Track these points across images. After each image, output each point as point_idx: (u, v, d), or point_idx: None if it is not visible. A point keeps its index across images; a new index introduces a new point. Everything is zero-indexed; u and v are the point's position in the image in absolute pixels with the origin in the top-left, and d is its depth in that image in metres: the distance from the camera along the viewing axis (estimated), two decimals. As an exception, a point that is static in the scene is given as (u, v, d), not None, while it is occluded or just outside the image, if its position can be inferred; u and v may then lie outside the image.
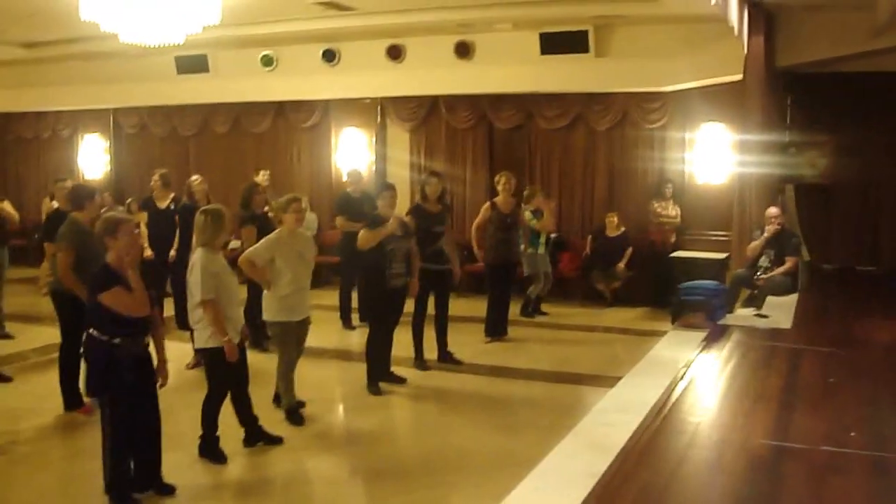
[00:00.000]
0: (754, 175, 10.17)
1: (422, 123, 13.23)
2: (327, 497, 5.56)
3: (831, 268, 11.62)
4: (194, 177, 9.19)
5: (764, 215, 9.69)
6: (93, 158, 15.71)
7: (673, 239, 11.79)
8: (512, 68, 12.04)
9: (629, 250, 11.64)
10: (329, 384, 8.08)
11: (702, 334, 7.68)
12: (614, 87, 11.82)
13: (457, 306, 9.80)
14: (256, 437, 6.20)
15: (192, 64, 13.89)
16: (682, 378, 6.16)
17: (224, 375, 5.92)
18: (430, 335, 8.62)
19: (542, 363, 8.75)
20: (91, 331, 4.92)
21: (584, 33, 11.46)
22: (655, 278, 11.40)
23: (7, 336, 9.32)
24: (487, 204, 9.69)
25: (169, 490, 5.27)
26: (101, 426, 5.10)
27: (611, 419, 5.24)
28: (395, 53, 12.67)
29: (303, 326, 6.92)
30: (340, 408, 7.46)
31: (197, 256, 5.82)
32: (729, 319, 8.36)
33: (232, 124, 14.42)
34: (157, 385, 5.26)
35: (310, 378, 7.70)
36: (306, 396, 7.11)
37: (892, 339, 7.68)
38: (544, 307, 11.29)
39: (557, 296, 11.84)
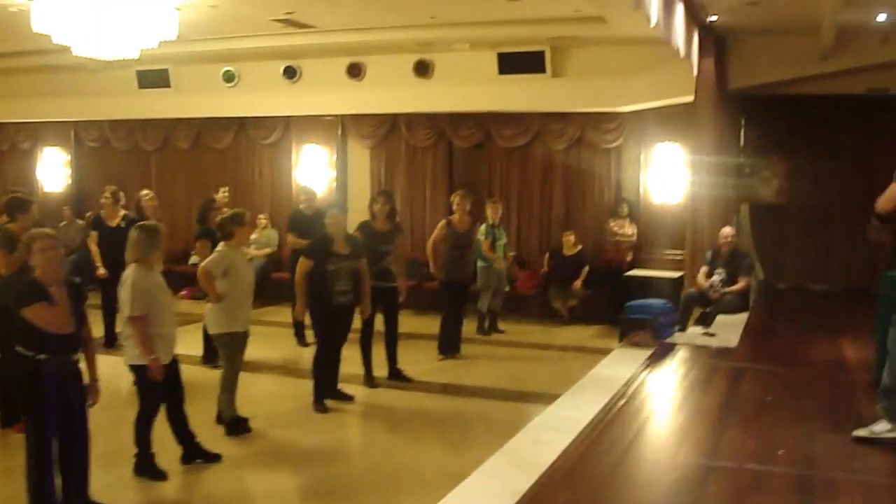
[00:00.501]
0: (706, 195, 10.30)
1: (382, 141, 13.29)
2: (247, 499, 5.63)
3: (785, 286, 11.79)
4: (144, 191, 9.17)
5: (717, 235, 9.82)
6: (53, 172, 15.60)
7: (629, 258, 11.90)
8: (470, 88, 12.14)
9: (585, 269, 11.71)
10: (277, 400, 8.06)
11: (647, 352, 7.78)
12: (571, 108, 11.94)
13: (412, 324, 9.90)
14: (194, 454, 6.17)
15: (154, 79, 13.88)
16: (620, 396, 6.24)
17: (155, 392, 5.89)
18: (382, 352, 8.64)
19: (492, 381, 8.75)
20: (17, 347, 4.89)
21: (541, 54, 11.59)
22: (611, 297, 11.47)
23: None
24: (443, 221, 9.75)
25: None
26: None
27: (542, 437, 5.30)
28: (355, 71, 12.73)
29: (246, 338, 7.01)
30: (285, 424, 7.39)
31: (129, 272, 5.83)
32: (676, 338, 8.48)
33: (194, 140, 14.41)
34: (88, 403, 5.23)
35: (259, 394, 7.72)
36: (254, 412, 7.11)
37: (834, 357, 7.80)
38: (501, 325, 11.32)
39: (515, 313, 11.92)
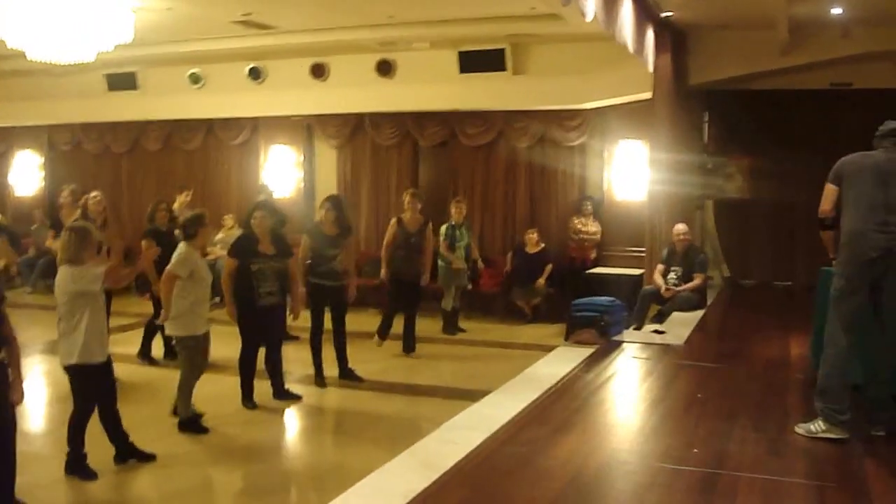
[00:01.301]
0: (666, 192, 10.26)
1: (348, 141, 13.30)
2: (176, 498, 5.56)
3: (749, 283, 11.74)
4: (93, 193, 9.13)
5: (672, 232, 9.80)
6: (26, 175, 15.61)
7: (593, 255, 11.87)
8: (433, 86, 12.12)
9: (549, 267, 11.67)
10: (222, 400, 7.99)
11: (590, 350, 7.74)
12: (532, 105, 11.92)
13: (373, 323, 9.85)
14: (127, 453, 6.12)
15: (122, 81, 13.90)
16: (546, 395, 6.20)
17: (88, 392, 5.88)
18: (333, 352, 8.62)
19: (443, 380, 8.72)
20: None
21: (501, 52, 11.57)
22: (574, 295, 11.42)
23: None
24: (394, 220, 9.71)
25: None
26: None
27: (454, 436, 5.26)
28: (318, 72, 12.73)
29: (207, 339, 7.05)
30: (231, 423, 7.25)
31: (60, 274, 5.82)
32: (625, 336, 8.42)
33: (164, 142, 14.44)
34: (13, 401, 5.22)
35: (212, 393, 7.70)
36: (206, 411, 7.10)
37: (779, 354, 7.77)
38: (464, 324, 11.29)
39: (478, 312, 11.91)
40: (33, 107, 14.69)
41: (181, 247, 7.01)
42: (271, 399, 7.75)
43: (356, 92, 12.59)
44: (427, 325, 11.11)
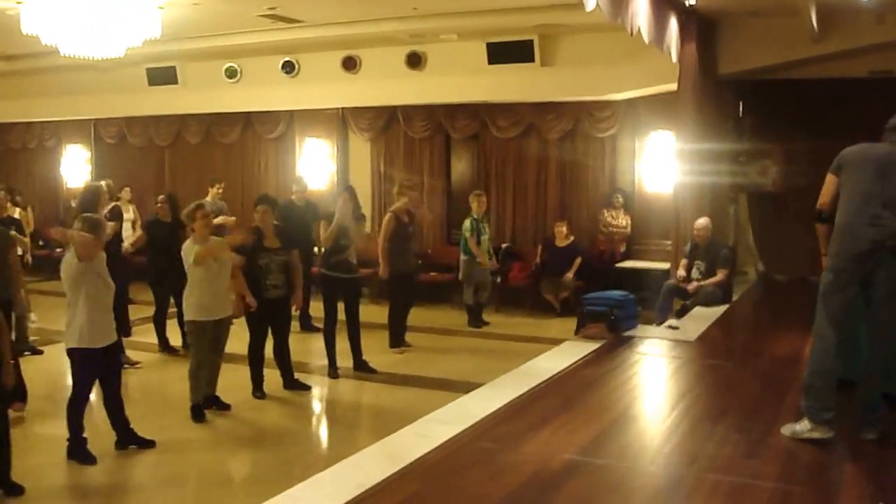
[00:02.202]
0: (691, 184, 10.04)
1: (381, 133, 13.33)
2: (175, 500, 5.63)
3: (784, 278, 11.44)
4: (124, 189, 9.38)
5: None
6: (75, 168, 15.98)
7: (623, 248, 11.70)
8: (462, 78, 12.05)
9: (578, 260, 11.52)
10: (234, 389, 7.97)
11: (597, 345, 7.62)
12: (561, 97, 11.78)
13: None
14: (128, 440, 6.27)
15: (162, 76, 14.14)
16: (535, 390, 6.12)
17: (85, 376, 6.02)
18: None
19: (455, 373, 8.60)
20: None
21: (530, 42, 11.43)
22: (602, 288, 11.26)
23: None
24: (390, 215, 9.60)
25: (18, 490, 5.34)
26: None
27: (430, 429, 5.21)
28: (350, 65, 12.76)
29: (220, 327, 7.19)
30: (233, 412, 7.35)
31: (64, 260, 6.03)
32: (638, 331, 8.26)
33: (204, 135, 14.67)
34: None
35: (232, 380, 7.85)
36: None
37: (791, 352, 7.53)
38: (491, 317, 11.23)
39: (509, 305, 11.83)
40: (80, 101, 15.03)
41: (185, 245, 7.15)
42: (282, 389, 7.86)
43: (387, 84, 12.60)
44: (452, 318, 11.11)
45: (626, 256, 11.63)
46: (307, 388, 7.99)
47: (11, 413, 5.94)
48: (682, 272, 9.61)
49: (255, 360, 7.74)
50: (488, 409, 5.63)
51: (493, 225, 12.66)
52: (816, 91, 10.87)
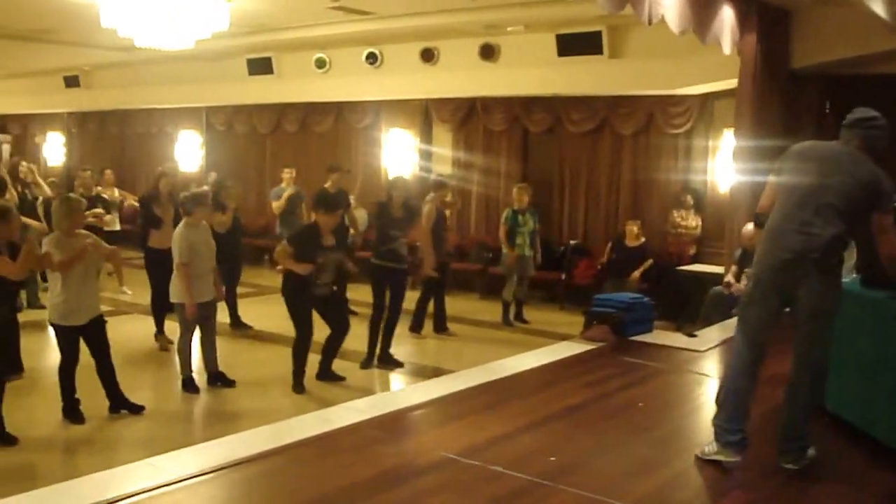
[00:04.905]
0: (751, 185, 9.44)
1: (462, 124, 13.32)
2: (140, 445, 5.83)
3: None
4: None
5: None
6: (189, 153, 16.80)
7: (692, 251, 11.17)
8: (534, 70, 11.82)
9: (648, 262, 11.08)
10: (245, 366, 8.17)
11: (589, 347, 7.34)
12: (629, 90, 11.37)
13: (471, 308, 10.22)
14: (119, 405, 6.63)
15: (260, 66, 14.61)
16: (473, 387, 5.98)
17: (66, 348, 6.41)
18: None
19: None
20: None
21: (598, 34, 11.06)
22: (669, 291, 10.83)
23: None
24: (431, 206, 9.49)
25: (12, 441, 5.83)
26: None
27: (336, 414, 5.26)
28: (428, 56, 12.75)
29: (206, 308, 7.49)
30: (248, 390, 7.48)
31: (48, 238, 6.46)
32: (648, 336, 7.87)
33: (300, 124, 15.10)
34: None
35: (255, 359, 8.32)
36: (240, 375, 7.63)
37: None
38: (547, 315, 11.01)
39: (572, 303, 11.53)
40: (193, 90, 15.77)
41: (179, 227, 7.41)
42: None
43: (464, 76, 12.52)
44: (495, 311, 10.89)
45: (696, 259, 11.09)
46: (341, 378, 7.78)
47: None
48: (730, 278, 9.07)
49: (299, 356, 7.50)
50: (410, 402, 5.56)
51: (566, 221, 12.44)
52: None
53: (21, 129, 20.67)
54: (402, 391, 5.98)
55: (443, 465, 4.44)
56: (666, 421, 5.61)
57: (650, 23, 7.52)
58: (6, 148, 21.29)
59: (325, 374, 7.73)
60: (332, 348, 7.72)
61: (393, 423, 5.13)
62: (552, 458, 4.66)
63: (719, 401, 4.72)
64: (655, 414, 5.74)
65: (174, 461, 4.31)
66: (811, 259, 4.41)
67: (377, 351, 8.37)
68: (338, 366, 7.80)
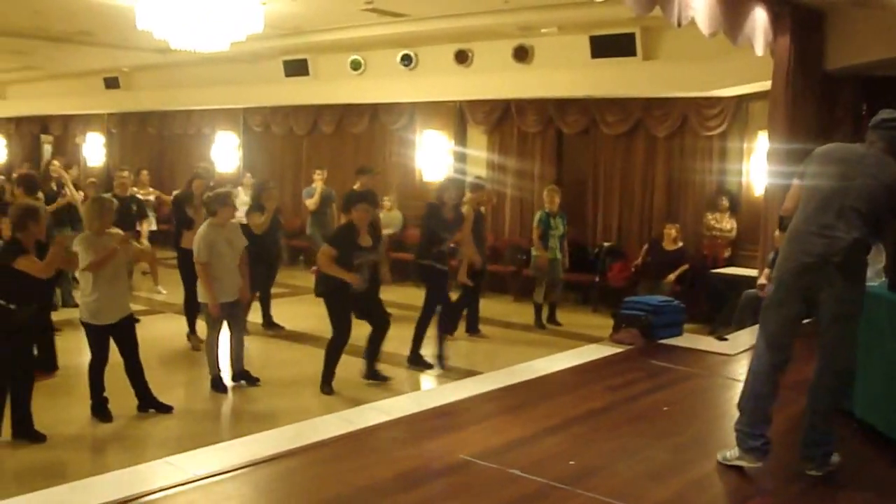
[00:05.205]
0: (781, 188, 9.33)
1: (496, 126, 13.29)
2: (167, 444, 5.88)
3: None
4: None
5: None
6: (225, 154, 16.96)
7: (727, 254, 11.06)
8: (568, 72, 11.77)
9: (685, 266, 10.96)
10: (281, 366, 8.30)
11: (618, 350, 7.32)
12: (663, 92, 11.29)
13: (506, 311, 10.32)
14: (147, 403, 6.72)
15: (296, 68, 14.71)
16: (502, 388, 5.98)
17: (95, 347, 6.51)
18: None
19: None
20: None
21: (631, 36, 11.00)
22: (704, 295, 10.77)
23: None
24: (469, 207, 9.44)
25: (41, 438, 5.92)
26: None
27: (358, 415, 5.30)
28: (462, 58, 12.75)
29: (232, 307, 7.53)
30: (259, 388, 7.53)
31: (79, 237, 6.60)
32: (677, 340, 7.82)
33: (336, 125, 15.14)
34: None
35: (286, 359, 8.39)
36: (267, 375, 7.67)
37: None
38: (580, 317, 10.99)
39: (604, 305, 11.47)
40: (230, 91, 15.91)
41: (202, 227, 7.47)
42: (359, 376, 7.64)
43: (498, 78, 12.49)
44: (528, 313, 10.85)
45: (731, 262, 10.98)
46: (386, 378, 7.69)
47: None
48: (763, 281, 8.99)
49: (332, 355, 7.45)
50: (436, 403, 5.58)
51: (600, 223, 12.38)
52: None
53: (62, 129, 20.99)
54: (426, 393, 6.01)
55: (460, 468, 4.45)
56: (690, 425, 5.59)
57: (679, 24, 7.46)
58: (48, 148, 21.72)
59: (372, 373, 7.66)
60: (375, 346, 7.66)
61: (415, 425, 5.16)
62: (571, 462, 4.66)
63: (741, 405, 4.68)
64: (680, 418, 5.71)
65: (192, 460, 4.37)
66: (833, 263, 4.37)
67: (429, 350, 8.37)
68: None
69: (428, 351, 8.31)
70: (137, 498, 3.80)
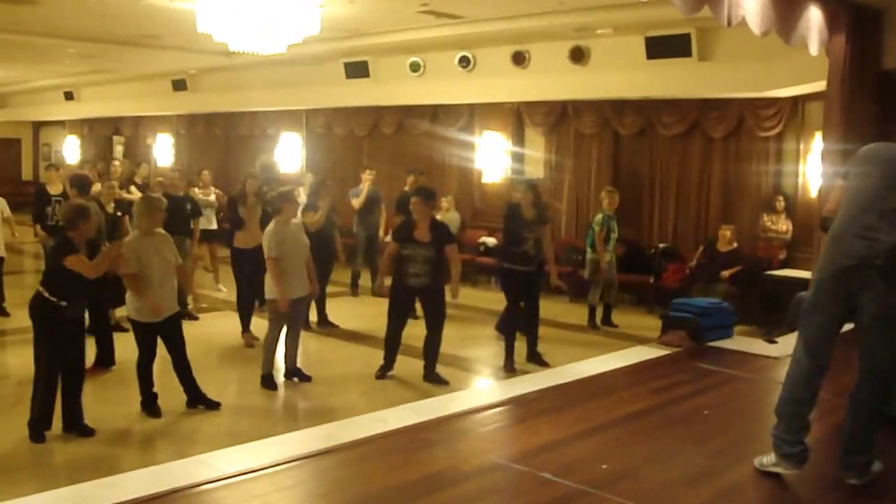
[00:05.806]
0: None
1: (554, 128, 13.35)
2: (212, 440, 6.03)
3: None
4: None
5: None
6: (289, 155, 17.26)
7: (782, 256, 10.93)
8: (624, 73, 11.74)
9: (737, 268, 10.86)
10: (332, 364, 8.39)
11: (665, 352, 7.32)
12: (719, 92, 11.20)
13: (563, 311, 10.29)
14: (196, 400, 6.90)
15: (356, 70, 14.90)
16: (545, 390, 6.03)
17: (142, 344, 6.71)
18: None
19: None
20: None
21: (687, 36, 10.93)
22: (759, 296, 10.64)
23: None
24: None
25: (90, 432, 6.12)
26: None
27: (395, 415, 5.39)
28: (519, 59, 12.79)
29: (297, 305, 7.67)
30: (312, 386, 7.61)
31: (128, 237, 6.84)
32: (727, 342, 7.78)
33: (396, 126, 15.33)
34: None
35: (338, 357, 8.51)
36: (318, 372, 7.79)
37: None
38: (633, 319, 10.95)
39: (660, 307, 11.38)
40: (293, 93, 16.20)
41: (270, 224, 7.63)
42: (420, 379, 7.67)
43: (555, 79, 12.51)
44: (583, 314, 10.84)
45: (786, 264, 10.85)
46: (445, 382, 7.60)
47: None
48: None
49: (391, 344, 7.69)
50: (472, 405, 5.65)
51: (656, 224, 12.34)
52: None
53: (133, 130, 21.59)
54: (462, 394, 6.06)
55: (490, 471, 4.53)
56: (730, 430, 5.58)
57: (729, 24, 7.40)
58: (119, 149, 22.35)
59: (431, 375, 7.69)
60: (432, 348, 7.72)
61: (448, 426, 5.25)
62: (604, 466, 4.71)
63: (778, 411, 4.65)
64: (720, 422, 5.70)
65: (224, 458, 4.49)
66: (874, 266, 4.30)
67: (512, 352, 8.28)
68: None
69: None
70: (165, 495, 3.94)
